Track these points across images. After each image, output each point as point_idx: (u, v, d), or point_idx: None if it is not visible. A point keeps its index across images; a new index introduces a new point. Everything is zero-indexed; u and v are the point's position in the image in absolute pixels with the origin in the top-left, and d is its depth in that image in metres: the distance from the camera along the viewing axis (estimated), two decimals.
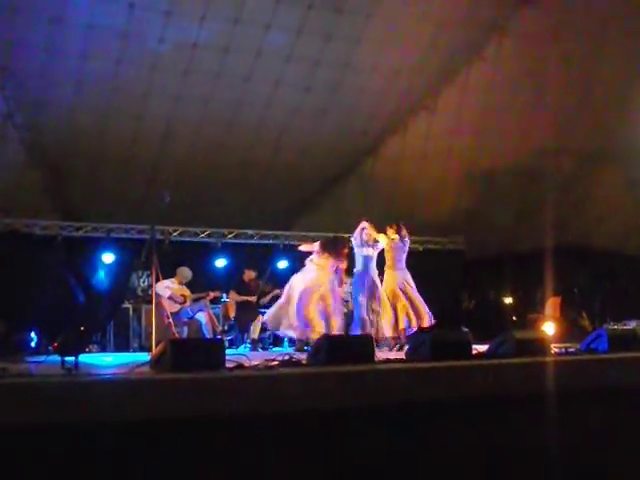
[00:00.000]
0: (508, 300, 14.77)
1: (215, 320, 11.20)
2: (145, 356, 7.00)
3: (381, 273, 9.72)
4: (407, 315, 9.48)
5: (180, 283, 10.97)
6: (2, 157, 10.90)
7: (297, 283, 9.59)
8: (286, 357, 6.03)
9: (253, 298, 11.57)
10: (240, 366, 5.32)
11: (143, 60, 10.28)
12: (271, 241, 13.24)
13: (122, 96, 10.64)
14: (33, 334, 9.94)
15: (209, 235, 13.08)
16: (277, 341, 12.00)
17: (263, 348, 11.20)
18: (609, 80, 11.64)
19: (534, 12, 10.84)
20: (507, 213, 13.54)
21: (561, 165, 12.42)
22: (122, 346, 11.49)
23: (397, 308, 9.54)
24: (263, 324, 10.40)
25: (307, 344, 9.08)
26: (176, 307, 10.67)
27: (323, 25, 10.34)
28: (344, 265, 9.97)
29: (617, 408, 5.57)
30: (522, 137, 12.47)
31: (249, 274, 11.85)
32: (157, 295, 9.07)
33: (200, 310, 10.88)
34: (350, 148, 12.72)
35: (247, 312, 11.45)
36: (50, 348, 9.40)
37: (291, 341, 11.84)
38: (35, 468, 3.98)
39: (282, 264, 12.83)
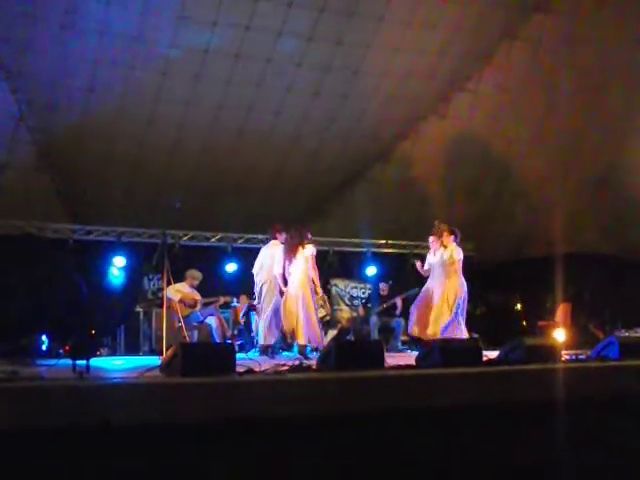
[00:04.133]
0: (518, 306, 14.75)
1: (225, 325, 11.21)
2: (155, 360, 7.02)
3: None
4: None
5: (192, 286, 10.96)
6: (14, 159, 10.96)
7: None
8: (296, 362, 6.04)
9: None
10: (250, 371, 5.33)
11: (154, 65, 10.33)
12: None
13: (133, 101, 10.70)
14: (44, 337, 9.97)
15: (220, 240, 13.10)
16: (286, 346, 11.99)
17: (272, 353, 11.19)
18: (620, 87, 11.60)
19: (545, 19, 10.83)
20: (517, 219, 13.51)
21: (571, 172, 12.39)
22: (132, 349, 11.53)
23: None
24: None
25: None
26: (187, 311, 10.68)
27: (334, 31, 10.37)
28: None
29: (628, 416, 5.55)
30: (532, 143, 12.46)
31: None
32: (168, 299, 9.10)
33: (210, 314, 10.88)
34: (360, 153, 12.73)
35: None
36: (61, 351, 9.45)
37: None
38: (45, 472, 4.00)
39: None
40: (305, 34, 10.29)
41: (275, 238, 9.75)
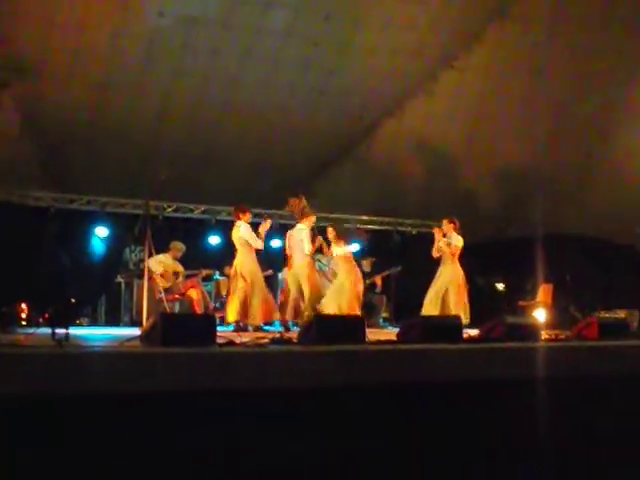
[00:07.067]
0: (500, 286, 14.80)
1: (207, 297, 11.19)
2: (136, 330, 6.99)
3: None
4: None
5: (175, 258, 10.92)
6: None
7: None
8: (277, 335, 6.04)
9: None
10: (231, 342, 5.32)
11: (142, 33, 10.21)
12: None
13: (119, 69, 10.60)
14: (24, 305, 9.91)
15: (203, 212, 13.03)
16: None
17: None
18: (610, 69, 11.59)
19: None
20: (501, 199, 13.53)
21: (556, 152, 12.40)
22: (113, 320, 11.51)
23: None
24: None
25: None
26: (168, 283, 10.65)
27: (323, 4, 10.29)
28: None
29: (605, 396, 5.59)
30: (518, 123, 12.45)
31: None
32: (149, 270, 9.05)
33: (192, 287, 10.86)
34: (346, 130, 12.68)
35: None
36: (41, 320, 9.41)
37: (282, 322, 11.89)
38: (22, 438, 3.98)
39: (275, 243, 12.79)
40: (294, 6, 10.20)
41: (239, 219, 9.63)
